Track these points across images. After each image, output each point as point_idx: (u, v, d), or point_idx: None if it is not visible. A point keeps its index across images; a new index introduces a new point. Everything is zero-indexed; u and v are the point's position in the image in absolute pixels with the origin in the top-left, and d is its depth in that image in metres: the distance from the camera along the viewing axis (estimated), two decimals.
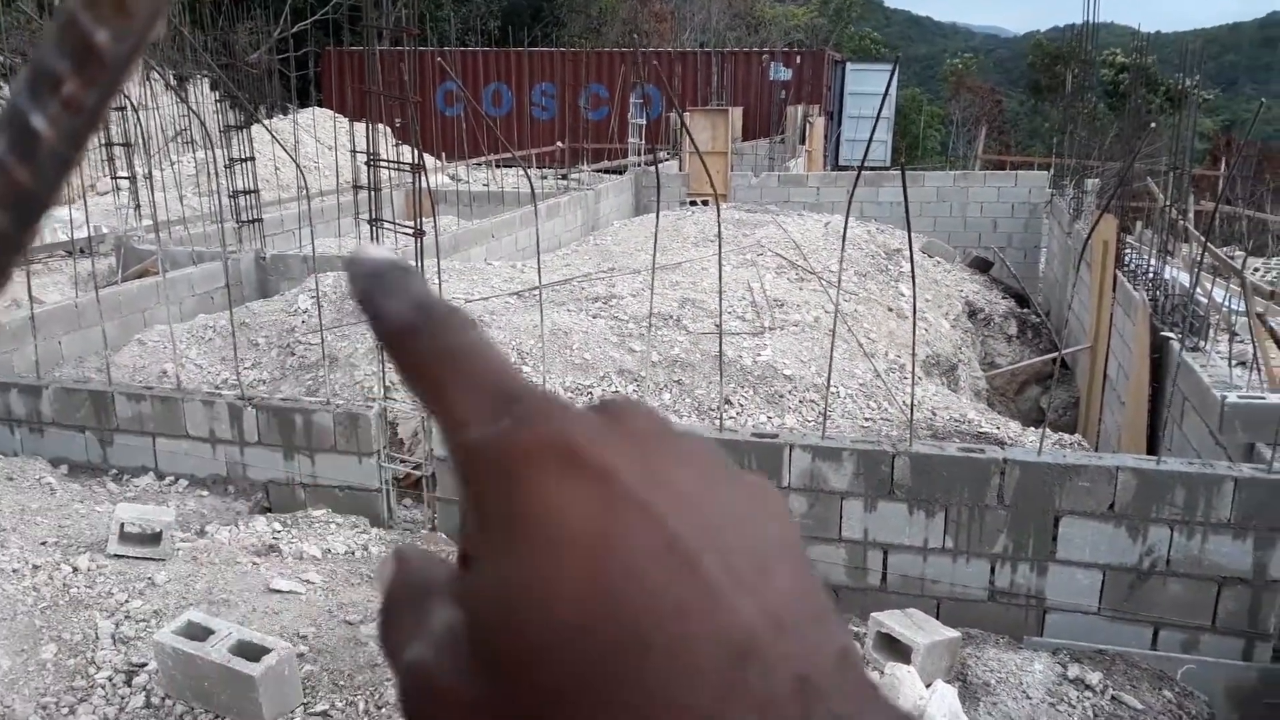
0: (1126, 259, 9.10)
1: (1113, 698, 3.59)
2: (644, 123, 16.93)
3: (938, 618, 4.44)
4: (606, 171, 17.00)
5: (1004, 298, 11.95)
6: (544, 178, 15.38)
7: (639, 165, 16.34)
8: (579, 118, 19.94)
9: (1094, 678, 3.65)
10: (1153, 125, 9.59)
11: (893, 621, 3.53)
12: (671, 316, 7.55)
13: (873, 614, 3.61)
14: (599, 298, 8.03)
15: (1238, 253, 12.42)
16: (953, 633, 3.60)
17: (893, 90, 22.04)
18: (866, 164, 5.70)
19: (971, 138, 24.27)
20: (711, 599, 0.28)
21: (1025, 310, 11.87)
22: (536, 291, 6.39)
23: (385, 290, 0.34)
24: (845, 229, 4.96)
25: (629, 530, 0.29)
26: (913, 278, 4.85)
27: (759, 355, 7.05)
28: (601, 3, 32.08)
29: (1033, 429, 6.89)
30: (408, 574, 0.34)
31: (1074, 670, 3.69)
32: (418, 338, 0.33)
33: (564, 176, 15.59)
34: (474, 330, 0.34)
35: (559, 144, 17.47)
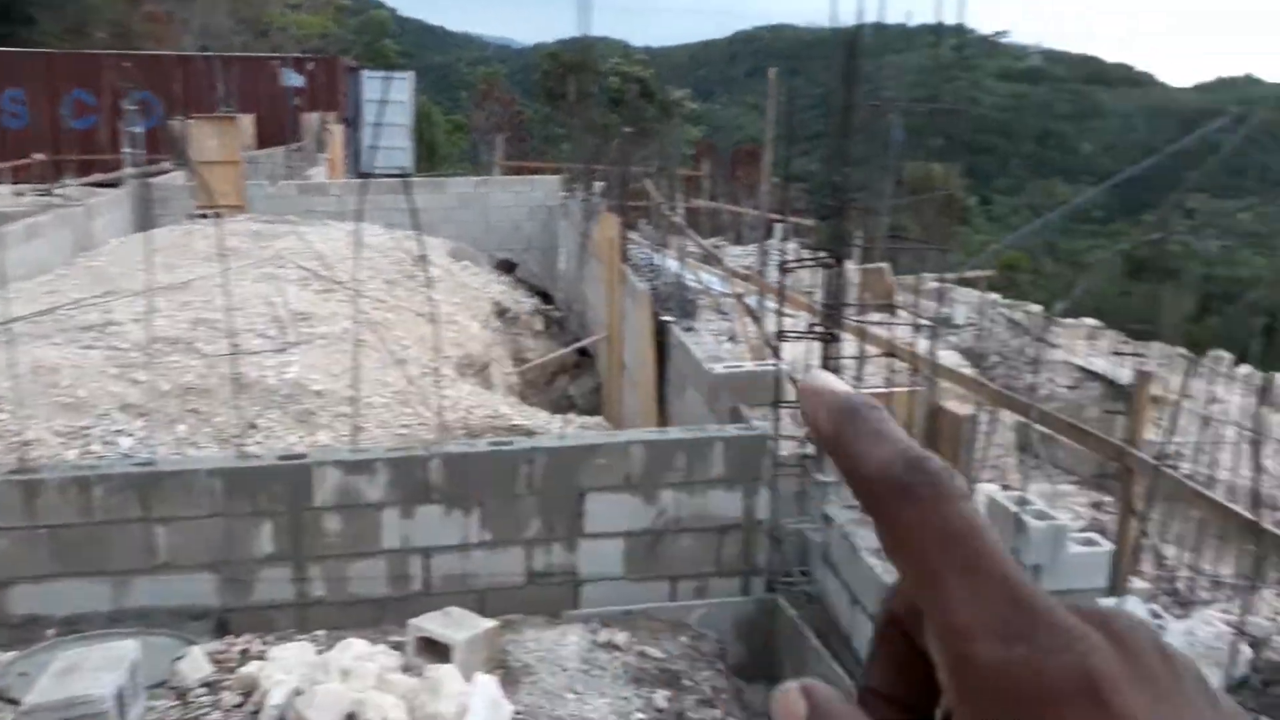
0: (631, 253, 9.98)
1: (639, 652, 3.91)
2: (141, 131, 15.39)
3: (482, 611, 4.54)
4: (100, 185, 15.22)
5: (529, 296, 12.56)
6: (21, 194, 13.41)
7: (138, 177, 14.83)
8: (60, 127, 17.64)
9: (621, 638, 3.95)
10: (627, 130, 10.58)
11: (430, 624, 3.54)
12: (182, 340, 6.94)
13: (409, 620, 3.60)
14: (93, 326, 7.15)
15: (721, 242, 14.17)
16: (490, 623, 3.69)
17: (410, 98, 22.16)
18: (390, 171, 5.66)
19: (492, 145, 25.15)
20: None
21: (549, 306, 12.58)
22: (8, 325, 5.53)
23: (863, 432, 0.32)
24: (359, 237, 4.89)
25: None
26: (430, 282, 4.90)
27: (285, 373, 6.73)
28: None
29: (561, 416, 7.33)
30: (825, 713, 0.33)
31: (604, 635, 3.96)
32: (912, 503, 0.31)
33: (47, 192, 13.69)
34: (969, 501, 0.32)
35: (37, 156, 15.33)
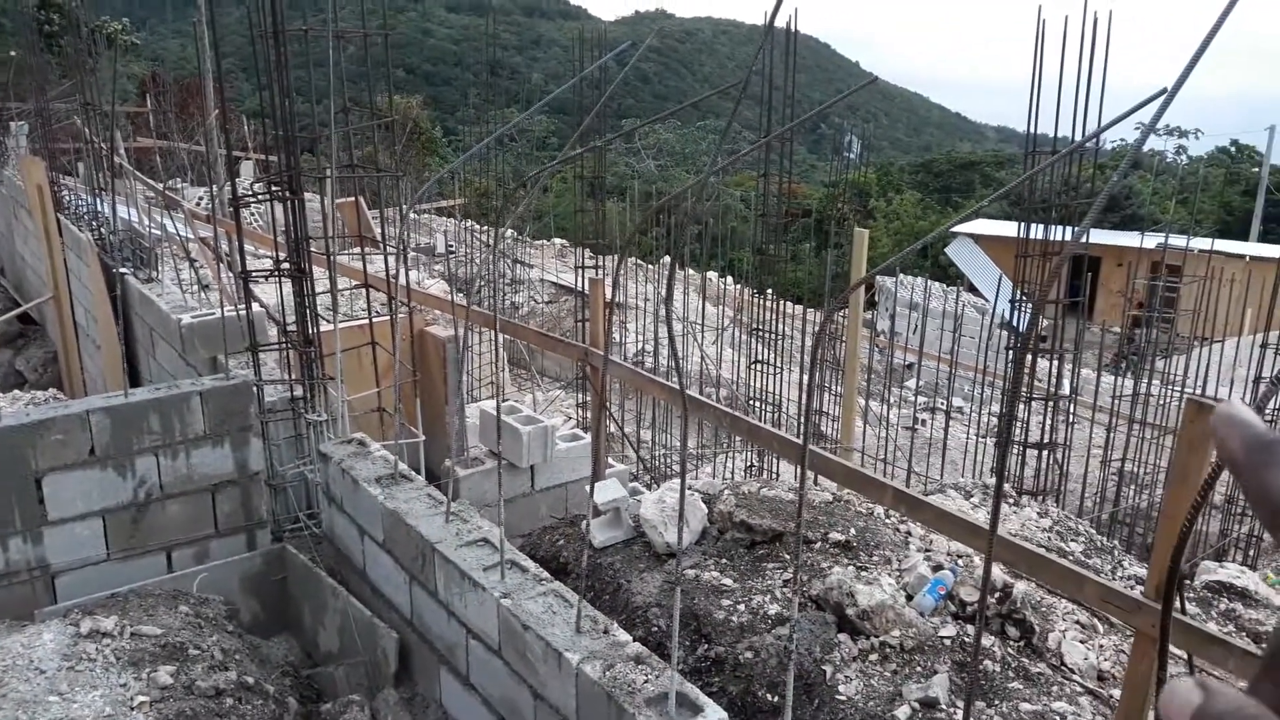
0: (67, 201, 8.79)
1: (133, 634, 3.60)
2: None
3: None
4: None
5: None
6: None
7: None
8: None
9: (109, 623, 3.60)
10: (13, 54, 9.28)
11: None
12: None
13: None
14: None
15: (180, 183, 12.99)
16: None
17: None
18: None
19: None
20: None
21: None
22: None
23: (1274, 463, 0.36)
24: None
25: None
26: None
27: None
28: None
29: (6, 395, 6.32)
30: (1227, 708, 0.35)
31: (87, 625, 3.58)
32: None
33: None
34: None
35: None
